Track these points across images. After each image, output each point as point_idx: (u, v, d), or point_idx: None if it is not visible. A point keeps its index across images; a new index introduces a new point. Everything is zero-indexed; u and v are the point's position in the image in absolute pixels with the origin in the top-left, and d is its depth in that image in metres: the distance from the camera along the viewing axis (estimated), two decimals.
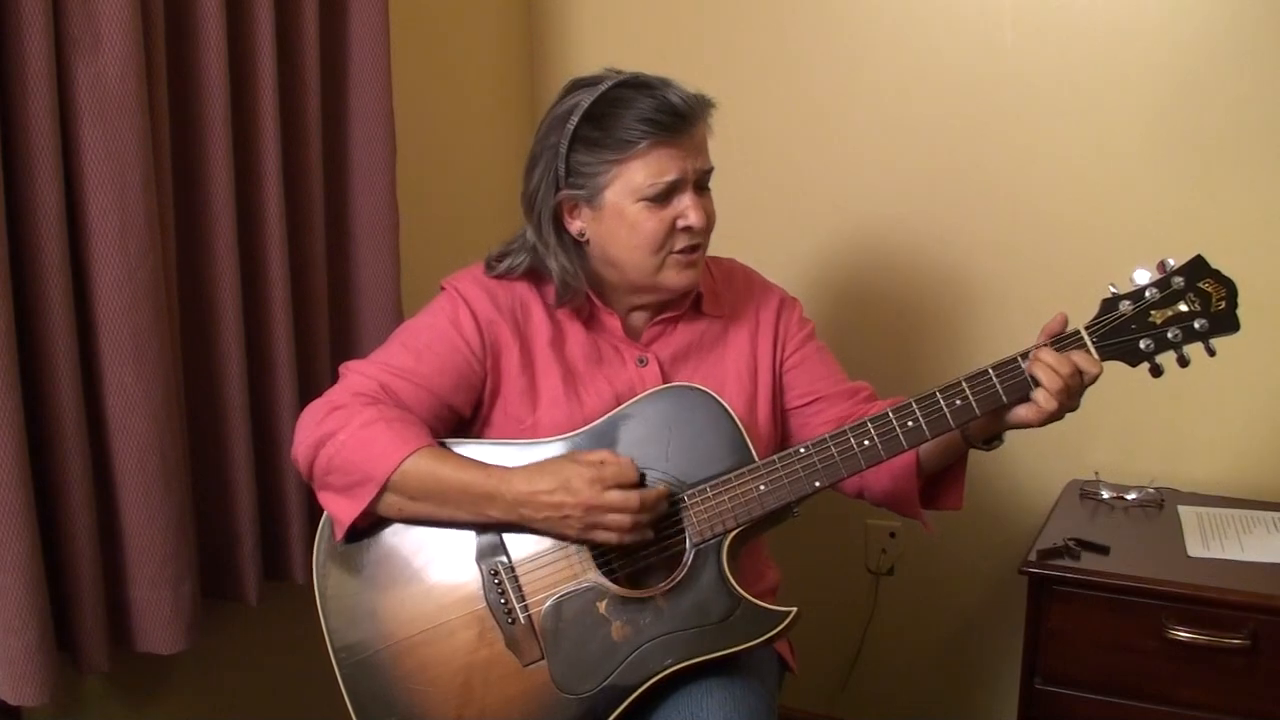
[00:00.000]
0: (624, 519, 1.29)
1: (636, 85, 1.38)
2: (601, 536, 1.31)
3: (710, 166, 1.43)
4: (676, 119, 1.36)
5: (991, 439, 1.40)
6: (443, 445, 1.38)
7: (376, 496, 1.33)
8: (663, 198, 1.38)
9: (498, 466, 1.34)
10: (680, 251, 1.42)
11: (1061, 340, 1.33)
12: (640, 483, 1.33)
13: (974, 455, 1.45)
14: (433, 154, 2.05)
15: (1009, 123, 2.00)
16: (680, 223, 1.40)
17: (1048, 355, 1.31)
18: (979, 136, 2.02)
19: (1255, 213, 1.86)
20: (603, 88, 1.38)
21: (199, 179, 1.51)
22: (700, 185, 1.42)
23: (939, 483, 1.48)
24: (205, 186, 1.51)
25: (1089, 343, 1.32)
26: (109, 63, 1.33)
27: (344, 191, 1.75)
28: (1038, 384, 1.31)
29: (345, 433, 1.34)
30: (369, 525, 1.37)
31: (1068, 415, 1.34)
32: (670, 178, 1.37)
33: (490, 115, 2.22)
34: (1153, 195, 1.92)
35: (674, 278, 1.43)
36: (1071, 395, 1.31)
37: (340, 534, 1.37)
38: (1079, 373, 1.31)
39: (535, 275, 1.47)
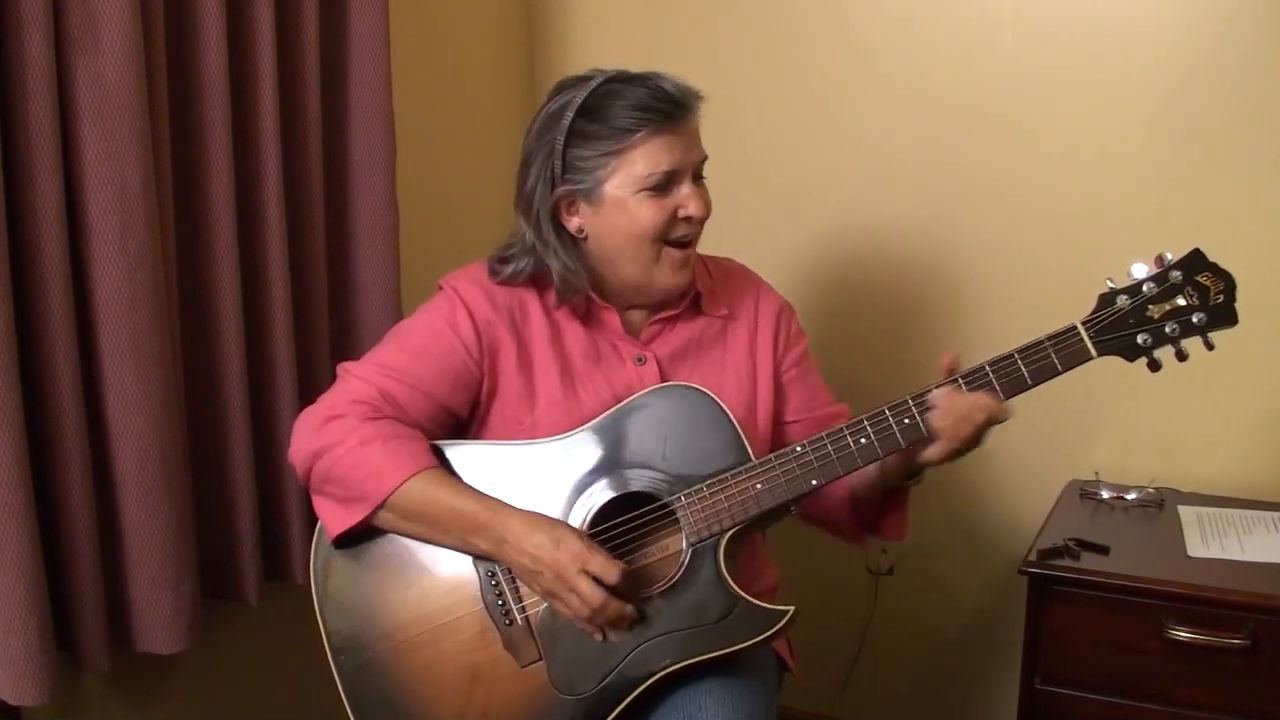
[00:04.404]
0: (581, 608, 1.29)
1: (628, 78, 1.39)
2: (558, 607, 1.32)
3: (705, 155, 1.43)
4: (673, 105, 1.37)
5: (912, 474, 1.40)
6: (441, 458, 1.38)
7: (370, 514, 1.34)
8: (662, 187, 1.39)
9: (496, 500, 1.34)
10: (676, 242, 1.42)
11: (1058, 336, 1.33)
12: (625, 588, 1.31)
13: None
14: (433, 154, 2.05)
15: (1008, 121, 2.00)
16: (681, 212, 1.40)
17: (946, 400, 1.31)
18: (978, 136, 2.02)
19: (1254, 210, 1.86)
20: (595, 83, 1.39)
21: (199, 179, 1.51)
22: (697, 175, 1.43)
23: (880, 513, 1.48)
24: (205, 186, 1.51)
25: (1086, 338, 1.32)
26: (109, 63, 1.33)
27: (344, 191, 1.75)
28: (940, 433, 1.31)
29: (343, 448, 1.34)
30: (363, 531, 1.37)
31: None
32: (670, 168, 1.38)
33: (490, 115, 2.23)
34: (1151, 191, 1.92)
35: (668, 277, 1.43)
36: (978, 438, 1.32)
37: (330, 540, 1.37)
38: (985, 414, 1.31)
39: (537, 279, 1.47)
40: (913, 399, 1.33)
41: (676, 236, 1.42)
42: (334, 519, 1.36)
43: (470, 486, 1.36)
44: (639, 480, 1.36)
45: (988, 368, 1.33)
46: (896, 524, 1.48)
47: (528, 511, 1.33)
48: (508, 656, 1.34)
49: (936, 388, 1.33)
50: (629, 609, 1.31)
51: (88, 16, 1.31)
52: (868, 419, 1.34)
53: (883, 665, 2.27)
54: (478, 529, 1.33)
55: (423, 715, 1.35)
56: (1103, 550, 1.64)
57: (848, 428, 1.34)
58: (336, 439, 1.34)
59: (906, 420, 1.33)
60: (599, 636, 1.32)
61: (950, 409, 1.31)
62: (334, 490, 1.36)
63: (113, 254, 1.36)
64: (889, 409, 1.33)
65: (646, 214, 1.39)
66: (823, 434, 1.35)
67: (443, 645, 1.35)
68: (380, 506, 1.33)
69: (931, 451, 1.33)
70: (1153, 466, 1.95)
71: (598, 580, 1.28)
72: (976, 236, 2.05)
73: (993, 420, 1.31)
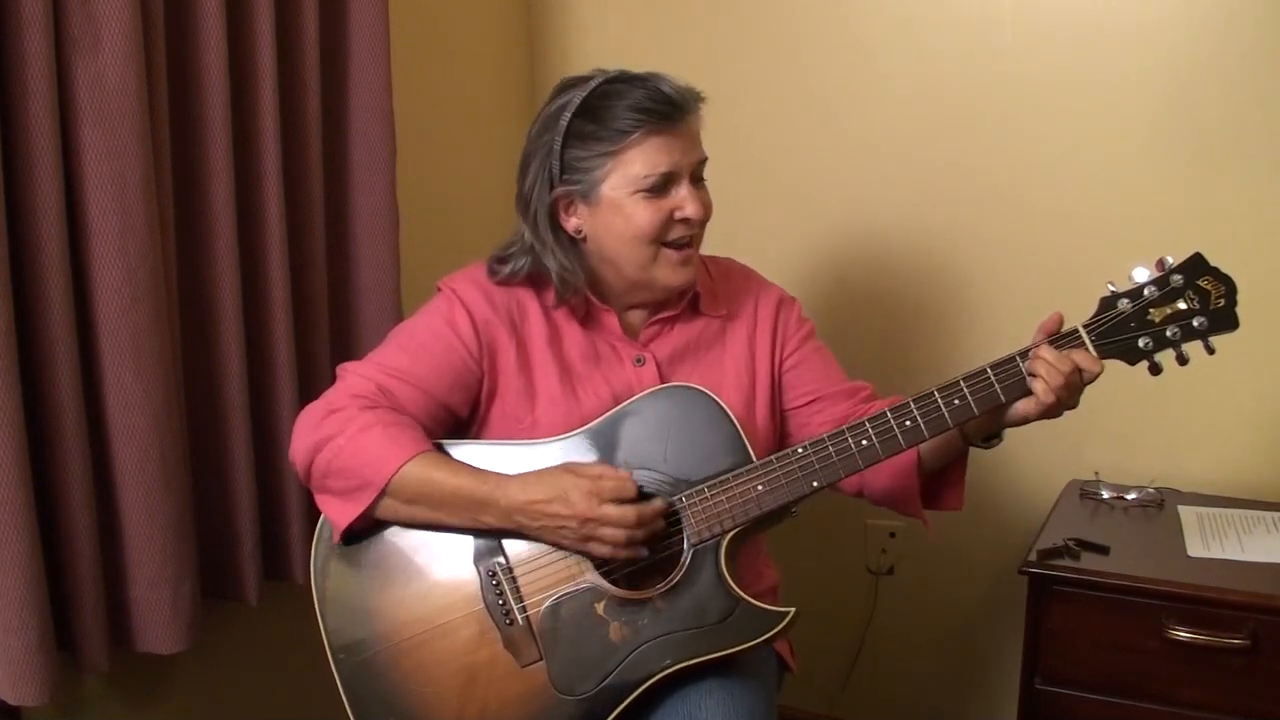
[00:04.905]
0: (619, 533, 1.29)
1: (627, 79, 1.39)
2: (596, 549, 1.32)
3: (704, 157, 1.43)
4: (670, 107, 1.37)
5: (990, 437, 1.40)
6: (440, 450, 1.38)
7: (374, 501, 1.34)
8: (659, 189, 1.39)
9: (494, 473, 1.34)
10: (674, 244, 1.42)
11: (1060, 339, 1.33)
12: (639, 498, 1.32)
13: (974, 456, 1.45)
14: (433, 154, 2.05)
15: (1008, 122, 2.00)
16: (678, 214, 1.40)
17: (1047, 352, 1.31)
18: (978, 136, 2.02)
19: (1254, 211, 1.86)
20: (594, 83, 1.39)
21: (199, 179, 1.51)
22: (695, 176, 1.42)
23: (939, 482, 1.48)
24: (205, 186, 1.51)
25: (1087, 341, 1.32)
26: (109, 63, 1.33)
27: (344, 191, 1.75)
28: (1036, 378, 1.30)
29: (343, 438, 1.34)
30: (367, 526, 1.37)
31: (1067, 415, 1.34)
32: (666, 169, 1.38)
33: (490, 115, 2.22)
34: (1152, 194, 1.92)
35: (669, 275, 1.43)
36: (1071, 392, 1.31)
37: (337, 536, 1.37)
38: (1079, 370, 1.31)
39: (535, 279, 1.47)
40: (914, 400, 1.33)
41: (673, 238, 1.42)
42: (339, 513, 1.36)
43: (468, 465, 1.36)
44: (640, 481, 1.35)
45: (989, 370, 1.33)
46: (956, 494, 1.47)
47: (521, 475, 1.33)
48: (508, 656, 1.34)
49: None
50: (659, 504, 1.31)
51: (88, 16, 1.31)
52: (869, 420, 1.34)
53: (883, 665, 2.27)
54: (481, 504, 1.33)
55: (423, 715, 1.35)
56: (1103, 550, 1.64)
57: (849, 429, 1.34)
58: (336, 429, 1.35)
59: (908, 423, 1.33)
60: (644, 552, 1.32)
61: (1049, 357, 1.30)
62: (336, 483, 1.36)
63: (113, 254, 1.36)
64: (890, 411, 1.33)
65: (643, 215, 1.39)
66: (823, 435, 1.34)
67: (443, 645, 1.35)
68: (383, 493, 1.33)
69: (1025, 405, 1.32)
70: (1153, 466, 1.95)
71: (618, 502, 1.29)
72: (977, 237, 2.05)
73: (1080, 370, 1.30)
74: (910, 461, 1.43)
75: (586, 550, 1.33)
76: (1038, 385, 1.30)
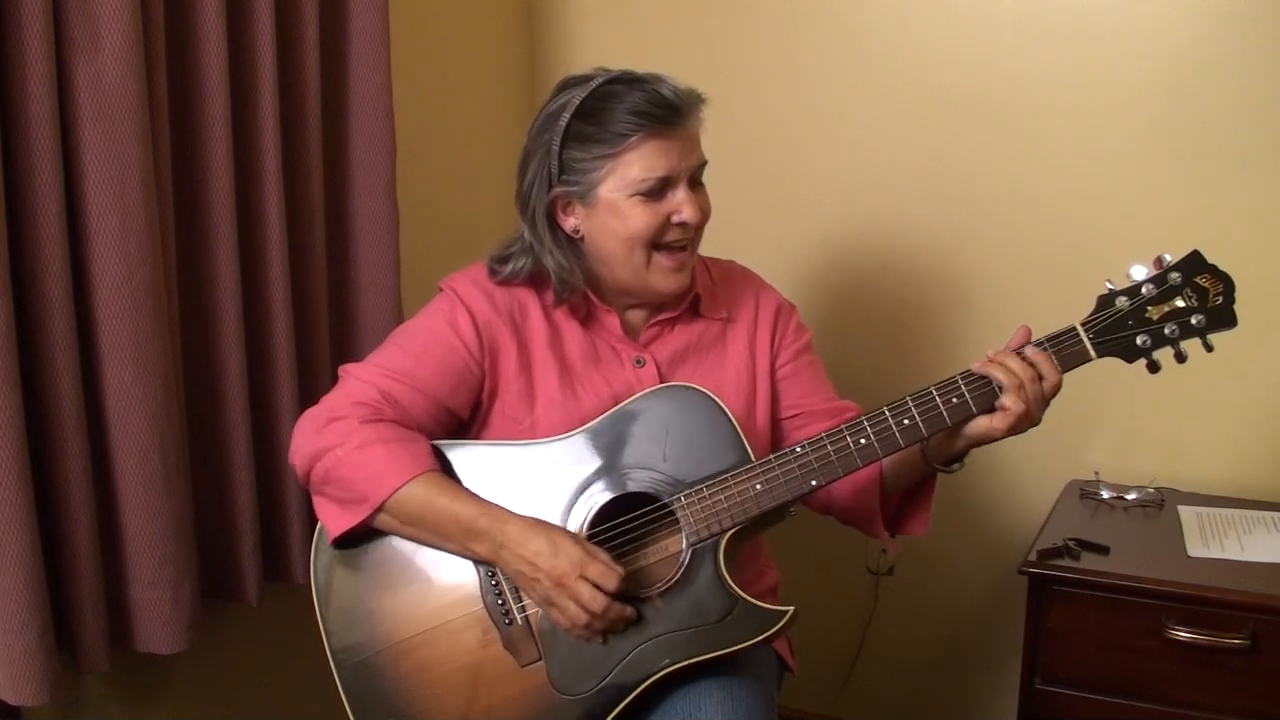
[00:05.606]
0: (580, 614, 1.28)
1: (628, 80, 1.39)
2: (554, 615, 1.31)
3: (704, 161, 1.43)
4: (669, 111, 1.37)
5: (952, 460, 1.39)
6: (442, 466, 1.37)
7: (370, 516, 1.34)
8: (656, 192, 1.38)
9: (497, 506, 1.34)
10: (669, 247, 1.41)
11: (1057, 337, 1.33)
12: (620, 595, 1.30)
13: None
14: (433, 153, 2.05)
15: (1007, 122, 2.00)
16: (675, 218, 1.40)
17: (1007, 358, 1.31)
18: (977, 136, 2.02)
19: (1252, 210, 1.86)
20: (594, 84, 1.39)
21: (199, 179, 1.51)
22: (694, 180, 1.42)
23: (906, 507, 1.48)
24: (205, 186, 1.51)
25: (1085, 339, 1.32)
26: (109, 63, 1.33)
27: (344, 191, 1.75)
28: (1000, 388, 1.30)
29: (343, 450, 1.34)
30: (364, 529, 1.38)
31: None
32: (664, 173, 1.37)
33: (490, 115, 2.23)
34: (1150, 192, 1.92)
35: (661, 281, 1.43)
36: (1033, 402, 1.30)
37: (330, 541, 1.38)
38: (1039, 378, 1.30)
39: (536, 279, 1.47)
40: (912, 398, 1.33)
41: (669, 241, 1.41)
42: (334, 520, 1.36)
43: (470, 491, 1.36)
44: (639, 481, 1.36)
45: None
46: (921, 520, 1.47)
47: (526, 517, 1.33)
48: (507, 656, 1.34)
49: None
50: (629, 611, 1.31)
51: (88, 16, 1.31)
52: (867, 419, 1.33)
53: (883, 665, 2.27)
54: (476, 535, 1.33)
55: (422, 715, 1.35)
56: (1103, 550, 1.64)
57: (847, 428, 1.33)
58: (337, 440, 1.35)
59: (906, 421, 1.32)
60: (599, 641, 1.32)
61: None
62: (334, 491, 1.36)
63: (113, 254, 1.36)
64: (889, 409, 1.33)
65: (639, 218, 1.39)
66: (822, 434, 1.34)
67: (442, 646, 1.36)
68: (379, 509, 1.33)
69: (989, 421, 1.31)
70: (1153, 466, 1.95)
71: (597, 586, 1.28)
72: (976, 237, 2.05)
73: (1041, 377, 1.30)
74: (873, 479, 1.43)
75: (545, 611, 1.32)
76: (1005, 397, 1.29)
